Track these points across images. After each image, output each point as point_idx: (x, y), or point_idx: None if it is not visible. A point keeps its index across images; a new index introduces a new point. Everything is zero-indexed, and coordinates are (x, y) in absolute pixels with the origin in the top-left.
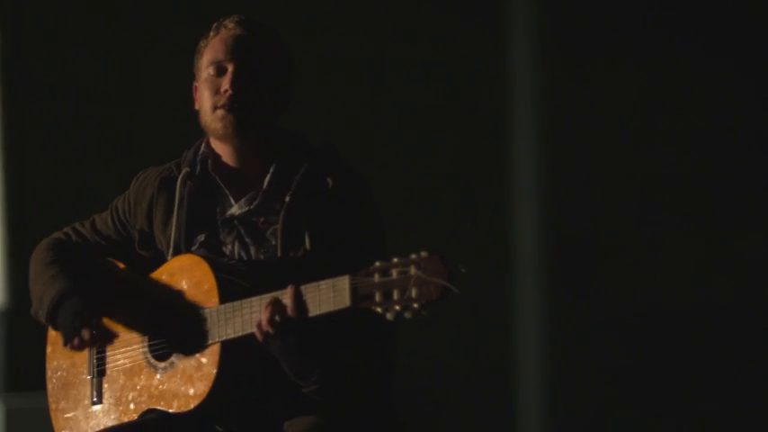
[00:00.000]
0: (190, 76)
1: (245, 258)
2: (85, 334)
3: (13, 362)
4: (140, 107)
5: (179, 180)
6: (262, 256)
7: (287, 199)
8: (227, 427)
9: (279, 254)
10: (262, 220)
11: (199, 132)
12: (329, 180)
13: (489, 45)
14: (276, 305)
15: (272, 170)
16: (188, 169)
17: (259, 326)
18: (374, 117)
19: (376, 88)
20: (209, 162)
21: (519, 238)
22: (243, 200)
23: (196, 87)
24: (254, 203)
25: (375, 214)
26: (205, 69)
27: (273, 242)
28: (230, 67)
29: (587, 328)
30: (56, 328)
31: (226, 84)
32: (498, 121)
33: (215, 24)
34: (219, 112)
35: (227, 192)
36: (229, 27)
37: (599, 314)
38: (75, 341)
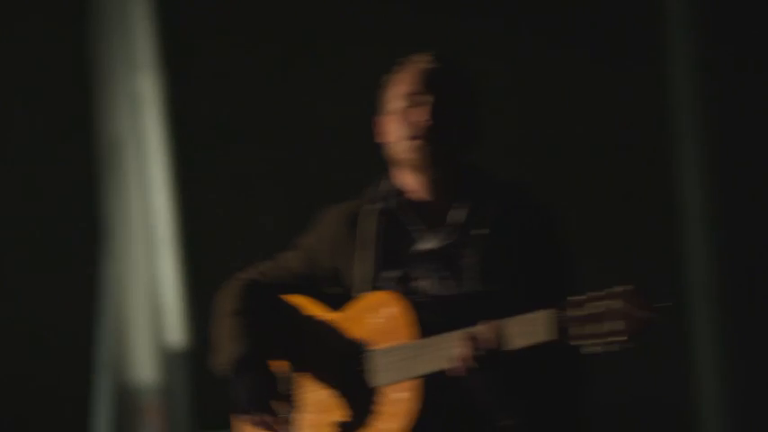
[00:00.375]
0: (356, 110)
1: (437, 293)
2: (256, 419)
3: (201, 400)
4: (304, 141)
5: (370, 216)
6: (457, 291)
7: (485, 232)
8: None
9: (477, 289)
10: (458, 252)
11: (364, 167)
12: (526, 216)
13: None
14: (478, 339)
15: (468, 206)
16: (375, 205)
17: (460, 360)
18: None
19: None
20: (397, 198)
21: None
22: (439, 234)
23: (380, 121)
24: (452, 237)
25: (570, 251)
26: (396, 101)
27: (471, 277)
28: (429, 99)
29: None
30: (231, 396)
31: (425, 114)
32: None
33: (405, 60)
34: (418, 143)
35: (418, 227)
36: (421, 61)
37: None
38: (248, 420)
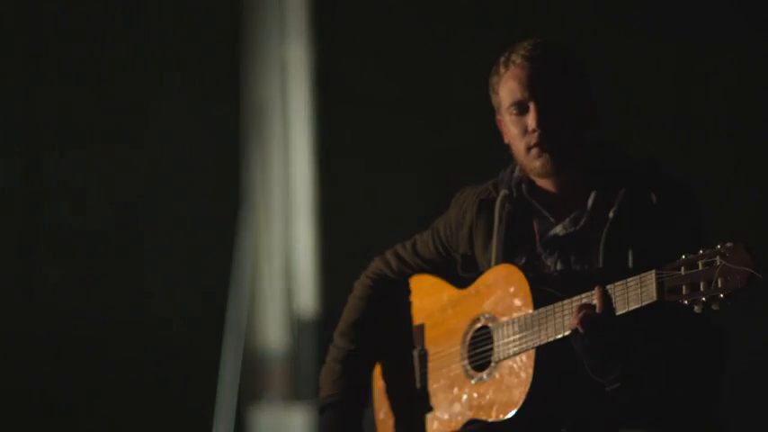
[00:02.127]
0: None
1: (565, 275)
2: None
3: None
4: (446, 117)
5: (497, 202)
6: (583, 275)
7: (610, 215)
8: None
9: (600, 269)
10: (586, 236)
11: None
12: (653, 196)
13: None
14: (586, 305)
15: (595, 191)
16: (506, 191)
17: (573, 326)
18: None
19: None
20: (524, 186)
21: None
22: (567, 220)
23: (500, 121)
24: (581, 223)
25: (702, 227)
26: (506, 110)
27: (596, 260)
28: (532, 105)
29: None
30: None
31: (532, 123)
32: None
33: (502, 59)
34: (534, 152)
35: (546, 213)
36: (518, 63)
37: None
38: None
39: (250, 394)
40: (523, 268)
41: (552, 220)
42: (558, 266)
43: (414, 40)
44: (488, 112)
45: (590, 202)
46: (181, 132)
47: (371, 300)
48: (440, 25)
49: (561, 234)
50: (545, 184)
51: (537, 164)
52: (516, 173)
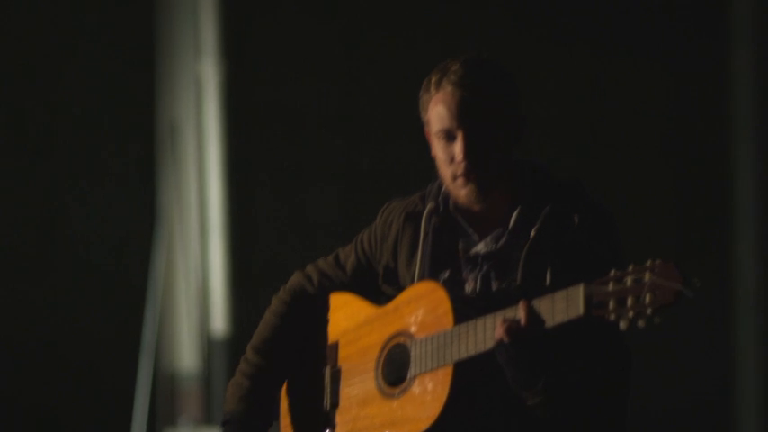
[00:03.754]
0: (407, 102)
1: (483, 293)
2: None
3: None
4: (361, 132)
5: (424, 215)
6: (502, 292)
7: (532, 234)
8: None
9: (519, 286)
10: (506, 255)
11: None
12: (575, 218)
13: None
14: (511, 319)
15: (518, 210)
16: (433, 205)
17: (495, 341)
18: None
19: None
20: (450, 202)
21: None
22: (489, 238)
23: (428, 133)
24: (501, 242)
25: (620, 253)
26: (434, 133)
27: (514, 278)
28: (459, 135)
29: None
30: None
31: (459, 154)
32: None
33: (434, 79)
34: (459, 182)
35: (470, 230)
36: (448, 90)
37: None
38: None
39: (164, 416)
40: (446, 286)
41: (475, 237)
42: (479, 284)
43: (326, 56)
44: (406, 126)
45: (512, 221)
46: (95, 150)
47: (287, 316)
48: (352, 41)
49: (482, 252)
50: (471, 203)
51: (462, 193)
52: (444, 188)
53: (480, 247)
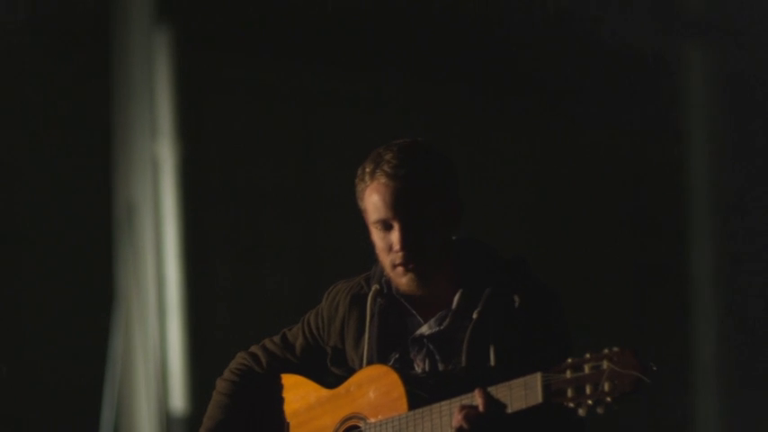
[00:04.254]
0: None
1: (431, 374)
2: None
3: None
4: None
5: (369, 297)
6: (448, 372)
7: (474, 316)
8: None
9: (464, 368)
10: (450, 336)
11: None
12: (516, 298)
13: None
14: (467, 405)
15: (459, 292)
16: (377, 287)
17: (453, 428)
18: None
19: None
20: (393, 285)
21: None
22: (433, 320)
23: (366, 220)
24: (445, 324)
25: (563, 331)
26: (371, 223)
27: (462, 360)
28: (396, 225)
29: None
30: None
31: (396, 244)
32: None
33: (368, 169)
34: (399, 270)
35: (414, 312)
36: (382, 181)
37: None
38: None
39: None
40: (397, 369)
41: (420, 319)
42: (427, 365)
43: (283, 136)
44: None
45: (455, 302)
46: (52, 229)
47: (235, 395)
48: (309, 119)
49: (427, 333)
50: (413, 288)
51: (402, 281)
52: (382, 271)
53: (425, 329)
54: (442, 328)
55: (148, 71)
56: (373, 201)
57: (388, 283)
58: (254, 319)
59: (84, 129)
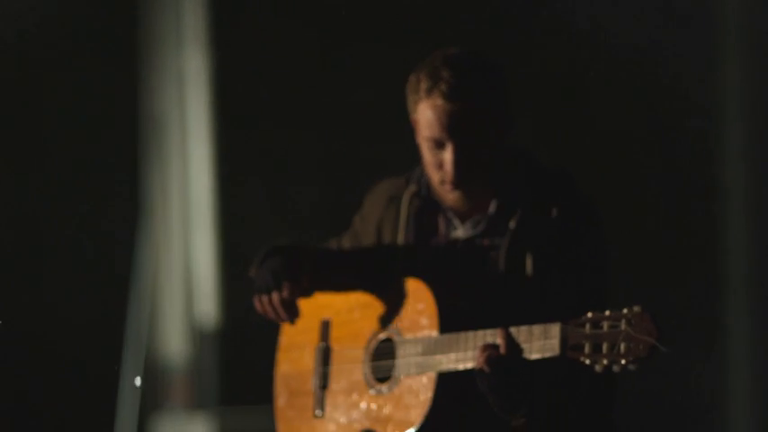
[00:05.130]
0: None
1: (464, 281)
2: (274, 297)
3: (229, 378)
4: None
5: (404, 198)
6: (483, 280)
7: (511, 226)
8: None
9: (501, 279)
10: (486, 242)
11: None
12: (555, 209)
13: None
14: (490, 345)
15: (497, 197)
16: (415, 188)
17: (476, 364)
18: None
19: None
20: (432, 187)
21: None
22: (468, 223)
23: (414, 126)
24: (480, 228)
25: (601, 248)
26: (422, 136)
27: (497, 266)
28: (449, 146)
29: None
30: (256, 283)
31: (448, 164)
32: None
33: (424, 85)
34: (447, 187)
35: (450, 214)
36: (438, 102)
37: None
38: (264, 299)
39: (151, 404)
40: (432, 285)
41: (456, 221)
42: (460, 269)
43: (313, 50)
44: (395, 114)
45: (491, 209)
46: (79, 142)
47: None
48: (338, 36)
49: (462, 237)
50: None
51: (449, 197)
52: (422, 172)
53: (460, 232)
54: (477, 232)
55: None
56: (427, 116)
57: (427, 185)
58: (283, 232)
59: (109, 37)
